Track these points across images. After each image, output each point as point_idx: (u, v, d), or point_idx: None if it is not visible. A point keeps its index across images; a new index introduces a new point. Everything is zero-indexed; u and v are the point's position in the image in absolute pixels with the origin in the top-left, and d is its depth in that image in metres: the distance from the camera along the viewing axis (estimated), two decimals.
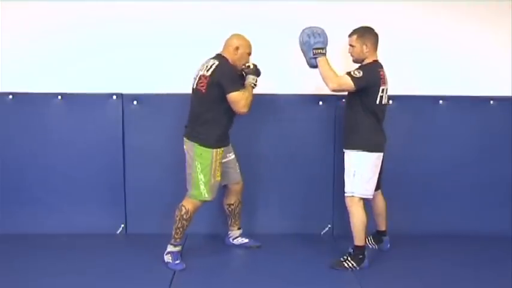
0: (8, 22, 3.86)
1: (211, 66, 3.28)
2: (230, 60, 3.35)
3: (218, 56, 3.36)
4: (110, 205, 3.95)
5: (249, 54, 3.43)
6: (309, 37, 3.33)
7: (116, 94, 3.86)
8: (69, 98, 3.86)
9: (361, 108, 3.31)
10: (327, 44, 3.35)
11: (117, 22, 3.87)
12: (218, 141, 3.33)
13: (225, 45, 3.41)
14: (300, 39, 3.38)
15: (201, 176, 3.29)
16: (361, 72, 3.24)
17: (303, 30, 3.37)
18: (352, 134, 3.37)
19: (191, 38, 3.88)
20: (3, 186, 3.90)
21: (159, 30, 3.89)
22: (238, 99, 3.24)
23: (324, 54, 3.31)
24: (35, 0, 3.85)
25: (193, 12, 3.87)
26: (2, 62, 3.87)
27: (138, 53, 3.89)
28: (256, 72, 3.44)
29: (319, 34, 3.34)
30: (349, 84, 3.23)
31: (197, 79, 3.33)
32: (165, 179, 3.91)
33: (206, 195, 3.32)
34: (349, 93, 3.37)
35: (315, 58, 3.31)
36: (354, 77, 3.23)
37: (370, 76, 3.26)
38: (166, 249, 3.39)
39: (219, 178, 3.36)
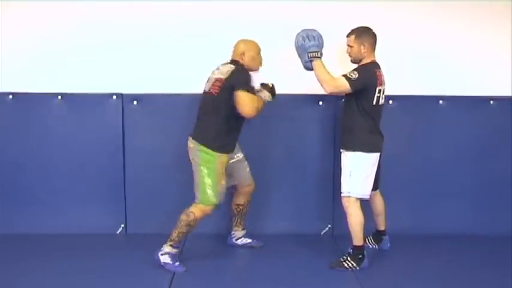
0: (8, 22, 3.86)
1: (228, 71, 3.28)
2: (244, 63, 3.37)
3: (233, 62, 3.37)
4: (110, 205, 3.95)
5: (259, 53, 3.43)
6: (304, 40, 3.33)
7: (116, 94, 3.86)
8: (69, 98, 3.86)
9: (358, 109, 3.31)
10: (322, 47, 3.35)
11: (117, 22, 3.88)
12: (223, 146, 3.30)
13: (233, 52, 3.42)
14: (295, 43, 3.38)
15: (208, 181, 3.26)
16: (357, 74, 3.24)
17: (298, 33, 3.37)
18: (349, 134, 3.37)
19: (191, 38, 3.88)
20: (3, 186, 3.90)
21: (159, 31, 3.89)
22: (246, 99, 3.19)
23: (319, 57, 3.32)
24: (35, 1, 3.85)
25: (193, 13, 3.87)
26: (2, 62, 3.87)
27: (138, 53, 3.89)
28: (272, 91, 3.42)
29: (314, 37, 3.33)
30: (346, 86, 3.23)
31: (211, 81, 3.31)
32: (165, 179, 3.91)
33: (214, 199, 3.27)
34: (346, 94, 3.37)
35: (311, 61, 3.32)
36: (350, 78, 3.23)
37: (367, 77, 3.26)
38: (161, 250, 3.33)
39: (224, 182, 3.33)
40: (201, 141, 3.29)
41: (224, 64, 3.37)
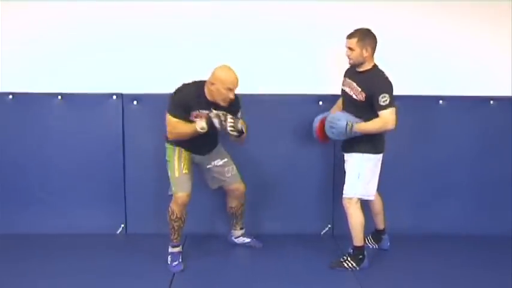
0: (8, 22, 3.86)
1: (185, 83, 3.32)
2: (207, 91, 3.23)
3: (201, 81, 3.27)
4: (110, 205, 3.95)
5: (229, 89, 3.16)
6: (334, 129, 3.28)
7: (116, 94, 3.86)
8: (69, 98, 3.86)
9: (371, 113, 3.23)
10: (349, 118, 3.26)
11: (117, 22, 3.87)
12: (178, 143, 3.36)
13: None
14: (335, 135, 3.33)
15: (169, 173, 3.38)
16: (387, 95, 3.17)
17: (327, 130, 3.34)
18: (358, 137, 3.29)
19: (191, 38, 3.88)
20: (3, 186, 3.90)
21: (159, 31, 3.88)
22: (167, 122, 3.23)
23: (352, 126, 3.23)
24: (35, 1, 3.85)
25: (193, 13, 3.87)
26: (2, 62, 3.86)
27: (138, 53, 3.88)
28: (218, 123, 3.10)
29: (338, 119, 3.27)
30: (393, 110, 3.18)
31: None
32: (165, 179, 3.89)
33: (174, 189, 3.35)
34: (359, 102, 3.28)
35: (354, 132, 3.24)
36: (387, 105, 3.16)
37: (391, 87, 3.23)
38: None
39: (186, 171, 3.35)
40: (165, 137, 3.39)
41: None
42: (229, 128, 3.10)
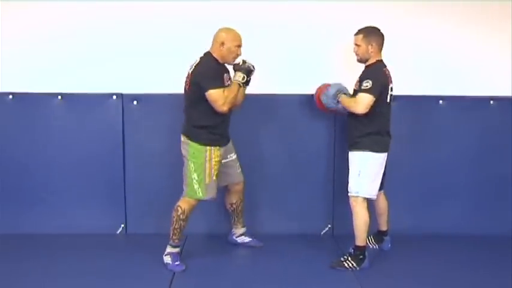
0: (8, 22, 3.86)
1: (194, 64, 3.28)
2: (218, 56, 3.28)
3: (205, 53, 3.32)
4: (110, 205, 3.95)
5: (239, 46, 3.29)
6: (328, 97, 3.49)
7: (116, 94, 3.86)
8: (69, 98, 3.86)
9: (372, 110, 3.28)
10: (342, 88, 3.47)
11: (117, 22, 3.87)
12: (211, 139, 3.30)
13: (212, 41, 3.31)
14: (325, 102, 3.54)
15: (194, 175, 3.29)
16: (370, 80, 3.24)
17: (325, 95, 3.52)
18: (359, 135, 3.34)
19: (191, 38, 3.87)
20: (3, 186, 3.90)
21: (159, 31, 3.88)
22: (216, 98, 3.18)
23: (345, 94, 3.45)
24: (35, 1, 3.85)
25: (193, 13, 3.87)
26: (2, 62, 3.87)
27: (138, 53, 3.88)
28: (246, 69, 3.31)
29: (328, 89, 3.49)
30: (369, 97, 3.23)
31: (186, 78, 3.34)
32: (165, 179, 3.91)
33: (200, 194, 3.31)
34: (355, 91, 3.39)
35: (338, 101, 3.45)
36: (368, 89, 3.23)
37: (379, 78, 3.27)
38: (165, 251, 3.38)
39: (215, 178, 3.34)
40: (188, 135, 3.32)
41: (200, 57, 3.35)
42: (253, 66, 3.33)
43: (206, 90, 3.17)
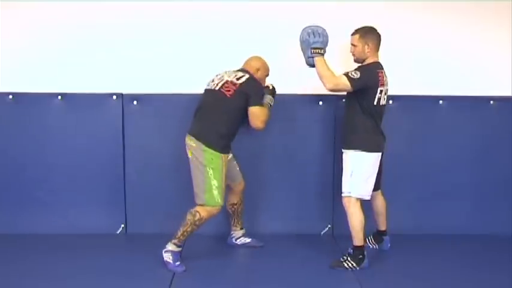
0: (8, 22, 3.86)
1: (241, 77, 3.36)
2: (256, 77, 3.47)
3: (246, 71, 3.45)
4: (110, 205, 3.95)
5: (267, 75, 3.57)
6: (309, 36, 3.34)
7: (116, 94, 3.86)
8: (69, 98, 3.86)
9: (359, 109, 3.31)
10: (326, 45, 3.36)
11: (117, 22, 3.87)
12: (226, 147, 3.36)
13: (246, 64, 3.52)
14: (300, 37, 3.39)
15: (214, 182, 3.26)
16: (359, 74, 3.25)
17: (304, 29, 3.38)
18: (350, 134, 3.37)
19: (191, 38, 3.88)
20: (3, 186, 3.90)
21: (159, 31, 3.89)
22: (260, 114, 3.32)
23: (322, 54, 3.32)
24: (34, 1, 3.85)
25: (193, 13, 3.87)
26: (2, 62, 3.87)
27: (138, 53, 3.88)
28: (274, 93, 3.54)
29: (319, 34, 3.34)
30: (346, 84, 3.23)
31: (222, 82, 3.35)
32: (165, 178, 3.91)
33: (219, 201, 3.29)
34: (347, 93, 3.38)
35: (313, 57, 3.32)
36: (351, 77, 3.23)
37: (368, 77, 3.26)
38: (166, 247, 3.34)
39: (225, 182, 3.37)
40: (205, 141, 3.28)
41: (236, 70, 3.44)
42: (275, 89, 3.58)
43: (253, 104, 3.30)
